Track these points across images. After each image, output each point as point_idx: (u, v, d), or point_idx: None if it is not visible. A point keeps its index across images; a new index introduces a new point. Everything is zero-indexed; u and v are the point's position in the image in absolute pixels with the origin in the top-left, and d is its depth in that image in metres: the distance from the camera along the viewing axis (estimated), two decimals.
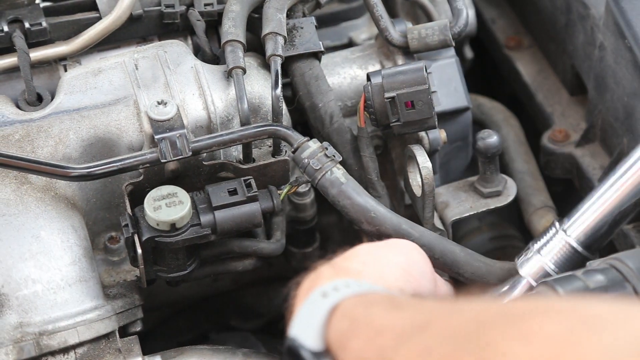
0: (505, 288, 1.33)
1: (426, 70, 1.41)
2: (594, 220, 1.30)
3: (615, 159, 1.55)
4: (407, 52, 1.54)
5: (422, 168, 1.42)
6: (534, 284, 1.30)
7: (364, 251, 1.15)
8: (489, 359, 0.83)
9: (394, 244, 1.21)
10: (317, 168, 1.36)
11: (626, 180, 1.29)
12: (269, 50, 1.46)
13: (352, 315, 1.00)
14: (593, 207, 1.31)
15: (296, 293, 1.09)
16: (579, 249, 1.30)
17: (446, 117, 1.55)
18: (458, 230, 1.62)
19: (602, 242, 1.32)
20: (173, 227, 1.34)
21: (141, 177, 1.40)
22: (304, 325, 1.02)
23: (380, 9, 1.53)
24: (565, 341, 0.80)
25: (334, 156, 1.37)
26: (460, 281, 1.39)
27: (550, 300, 1.03)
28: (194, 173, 1.43)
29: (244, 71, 1.44)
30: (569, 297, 1.12)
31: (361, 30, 1.76)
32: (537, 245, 1.33)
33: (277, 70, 1.44)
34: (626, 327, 0.79)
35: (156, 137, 1.37)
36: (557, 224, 1.32)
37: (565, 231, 1.31)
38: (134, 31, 1.55)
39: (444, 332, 0.89)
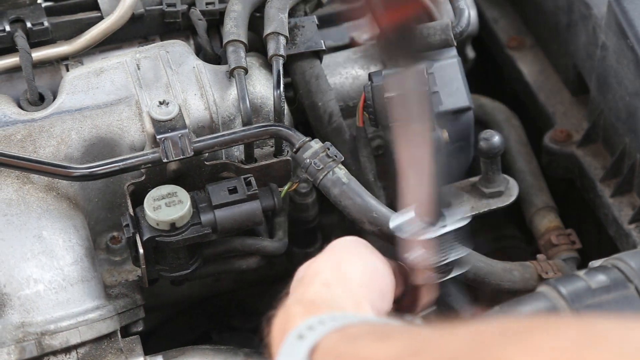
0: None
1: (427, 72, 1.41)
2: None
3: (617, 158, 1.55)
4: None
5: None
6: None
7: (322, 267, 1.11)
8: None
9: (342, 247, 1.17)
10: (319, 168, 1.36)
11: None
12: (270, 50, 1.46)
13: (335, 352, 0.96)
14: None
15: (269, 334, 1.05)
16: None
17: (448, 117, 1.55)
18: None
19: None
20: (173, 226, 1.34)
21: (143, 177, 1.40)
22: None
23: None
24: (571, 354, 0.78)
25: (336, 156, 1.37)
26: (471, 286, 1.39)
27: (550, 318, 0.99)
28: (196, 173, 1.43)
29: (246, 71, 1.44)
30: (567, 315, 1.10)
31: (363, 30, 1.76)
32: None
33: (279, 70, 1.44)
34: (629, 340, 0.78)
35: (158, 137, 1.37)
36: None
37: None
38: (136, 31, 1.55)
39: (440, 356, 0.85)
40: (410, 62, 1.00)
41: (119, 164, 1.37)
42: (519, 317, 1.11)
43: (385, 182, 1.54)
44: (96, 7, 1.54)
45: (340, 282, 1.08)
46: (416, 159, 1.05)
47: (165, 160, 1.36)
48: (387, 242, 1.29)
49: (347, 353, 0.94)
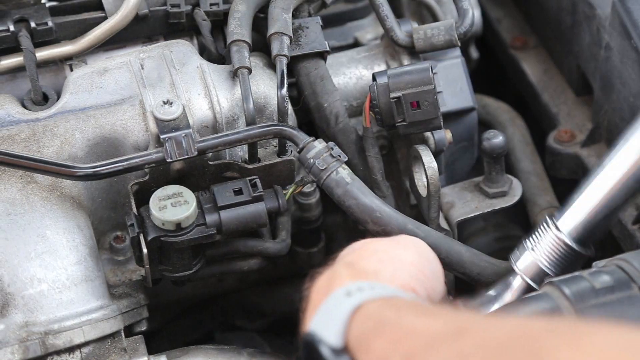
0: (499, 286, 1.31)
1: (432, 71, 1.41)
2: (587, 214, 1.25)
3: None
4: (413, 52, 1.54)
5: (427, 168, 1.42)
6: (529, 282, 1.28)
7: (379, 249, 1.13)
8: None
9: (408, 242, 1.19)
10: (323, 168, 1.36)
11: (618, 171, 1.24)
12: (274, 50, 1.46)
13: (377, 316, 0.98)
14: (585, 200, 1.26)
15: (310, 290, 1.07)
16: (573, 245, 1.27)
17: (452, 117, 1.55)
18: (463, 231, 1.62)
19: (596, 237, 1.28)
20: (178, 226, 1.34)
21: (147, 177, 1.40)
22: (325, 322, 1.00)
23: (386, 9, 1.53)
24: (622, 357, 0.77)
25: (340, 156, 1.37)
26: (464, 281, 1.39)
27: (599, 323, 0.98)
28: (200, 173, 1.43)
29: (250, 71, 1.45)
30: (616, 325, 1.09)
31: (367, 30, 1.76)
32: (530, 243, 1.29)
33: (282, 70, 1.44)
34: None
35: (162, 136, 1.37)
36: (548, 219, 1.30)
37: (557, 227, 1.28)
38: (140, 31, 1.55)
39: (483, 341, 0.85)
40: None
41: (123, 163, 1.37)
42: (564, 318, 1.10)
43: (391, 182, 1.54)
44: (100, 7, 1.54)
45: (395, 265, 1.09)
46: None
47: (168, 160, 1.36)
48: None
49: (389, 320, 0.95)
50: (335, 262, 1.11)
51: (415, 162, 1.47)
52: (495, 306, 1.28)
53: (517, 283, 1.29)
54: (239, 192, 1.38)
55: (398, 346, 0.92)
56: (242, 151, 1.47)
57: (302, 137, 1.39)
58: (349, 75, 1.59)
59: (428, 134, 1.49)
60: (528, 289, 1.28)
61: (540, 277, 1.27)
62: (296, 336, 1.05)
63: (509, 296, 1.29)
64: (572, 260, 1.27)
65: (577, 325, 0.87)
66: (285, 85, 1.43)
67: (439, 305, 1.07)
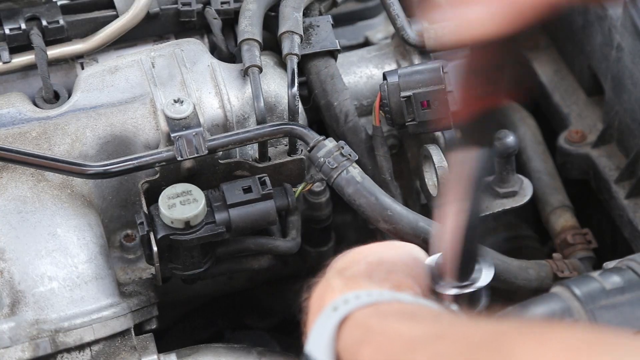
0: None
1: (443, 70, 1.41)
2: None
3: (632, 160, 1.55)
4: (424, 51, 1.54)
5: (438, 168, 1.42)
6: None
7: (369, 253, 1.14)
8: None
9: (396, 244, 1.20)
10: (333, 167, 1.36)
11: None
12: (285, 49, 1.47)
13: (365, 325, 1.01)
14: None
15: (308, 303, 1.09)
16: None
17: None
18: None
19: None
20: (187, 225, 1.34)
21: (157, 175, 1.40)
22: (316, 341, 1.02)
23: (397, 8, 1.53)
24: (579, 351, 0.81)
25: (350, 155, 1.37)
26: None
27: (565, 322, 1.04)
28: (210, 171, 1.43)
29: (260, 70, 1.45)
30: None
31: (377, 29, 1.77)
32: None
33: (293, 69, 1.44)
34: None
35: (172, 135, 1.37)
36: None
37: None
38: (151, 29, 1.55)
39: (459, 341, 0.91)
40: (483, 146, 1.06)
41: (134, 162, 1.37)
42: (537, 319, 1.13)
43: (401, 182, 1.54)
44: (111, 6, 1.54)
45: (386, 266, 1.11)
46: (453, 230, 1.09)
47: (179, 159, 1.36)
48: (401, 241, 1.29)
49: (375, 327, 0.99)
50: (327, 271, 1.12)
51: (426, 162, 1.47)
52: None
53: None
54: (248, 190, 1.38)
55: (382, 351, 0.96)
56: (252, 150, 1.48)
57: (313, 136, 1.39)
58: (360, 74, 1.59)
59: (438, 133, 1.49)
60: None
61: None
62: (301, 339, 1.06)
63: None
64: None
65: (545, 324, 0.93)
66: (296, 84, 1.43)
67: (426, 304, 1.08)
